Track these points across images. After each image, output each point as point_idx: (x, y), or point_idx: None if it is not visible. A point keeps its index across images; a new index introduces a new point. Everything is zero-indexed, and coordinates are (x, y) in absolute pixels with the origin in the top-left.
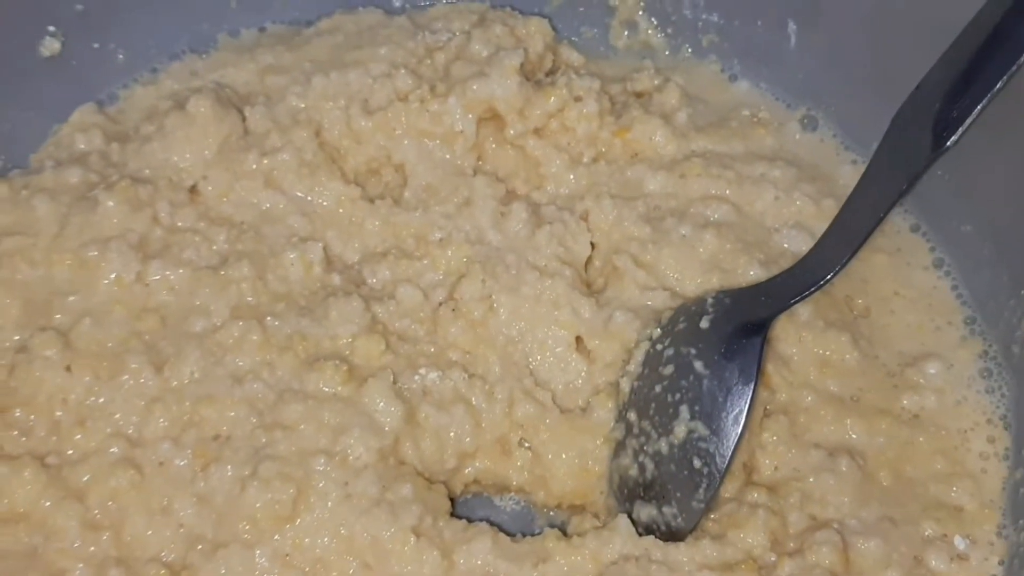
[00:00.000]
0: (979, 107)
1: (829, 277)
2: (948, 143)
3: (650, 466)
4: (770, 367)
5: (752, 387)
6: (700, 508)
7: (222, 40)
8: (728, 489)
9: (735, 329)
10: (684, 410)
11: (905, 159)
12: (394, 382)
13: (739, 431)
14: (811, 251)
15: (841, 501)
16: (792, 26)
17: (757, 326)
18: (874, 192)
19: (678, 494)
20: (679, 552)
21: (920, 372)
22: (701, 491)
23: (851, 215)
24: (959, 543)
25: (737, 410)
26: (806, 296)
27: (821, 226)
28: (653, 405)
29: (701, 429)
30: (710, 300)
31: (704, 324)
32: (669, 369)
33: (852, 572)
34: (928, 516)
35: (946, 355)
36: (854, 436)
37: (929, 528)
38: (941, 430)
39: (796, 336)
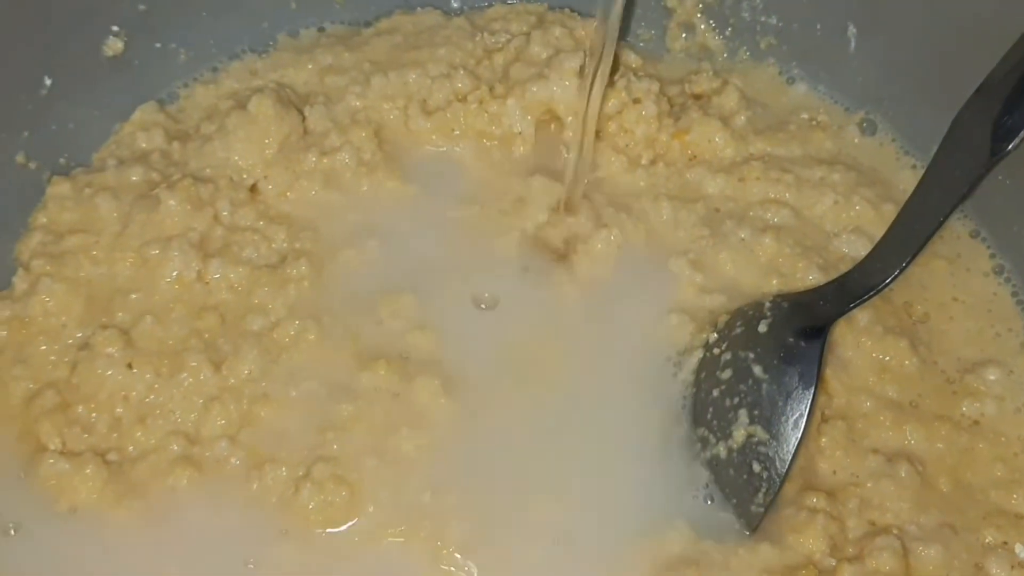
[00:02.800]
0: None
1: (888, 282)
2: (1008, 148)
3: (708, 470)
4: (828, 372)
5: (812, 391)
6: (760, 512)
7: (282, 40)
8: (787, 493)
9: (794, 333)
10: (743, 414)
11: (964, 164)
12: None
13: (799, 435)
14: (869, 255)
15: (900, 507)
16: (852, 29)
17: (816, 330)
18: (933, 197)
19: (736, 499)
20: (738, 556)
21: (980, 378)
22: (760, 495)
23: (909, 220)
24: (1020, 551)
25: (797, 414)
26: (865, 300)
27: (880, 231)
28: (711, 410)
29: (760, 433)
30: (767, 304)
31: (762, 328)
32: (727, 373)
33: None
34: (988, 523)
35: (1006, 361)
36: (913, 442)
37: (990, 536)
38: (1001, 437)
39: (855, 341)
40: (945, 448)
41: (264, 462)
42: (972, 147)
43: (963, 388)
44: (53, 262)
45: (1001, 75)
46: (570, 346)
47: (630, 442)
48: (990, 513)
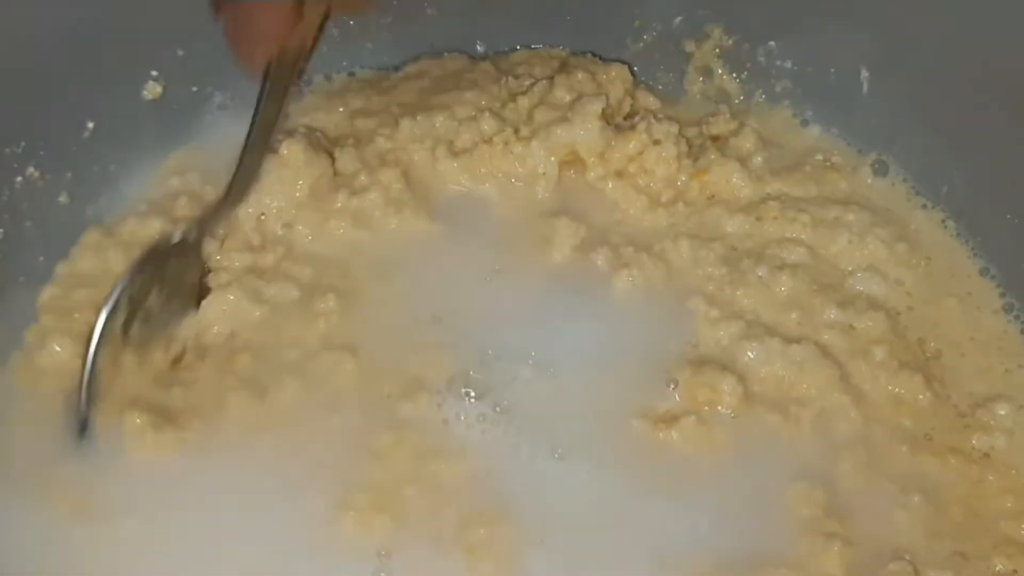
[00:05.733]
0: None
1: None
2: None
3: None
4: (847, 400)
5: None
6: None
7: (313, 84)
8: (805, 519)
9: None
10: None
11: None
12: None
13: None
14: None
15: (914, 534)
16: (864, 74)
17: None
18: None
19: None
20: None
21: (990, 413)
22: None
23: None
24: None
25: None
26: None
27: (894, 269)
28: None
29: None
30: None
31: None
32: None
33: None
34: (999, 552)
35: (1016, 397)
36: (926, 472)
37: (1000, 563)
38: (1011, 469)
39: (871, 375)
40: (957, 479)
41: (307, 491)
42: None
43: (974, 422)
44: (62, 317)
45: None
46: (596, 376)
47: (644, 469)
48: (1000, 542)
